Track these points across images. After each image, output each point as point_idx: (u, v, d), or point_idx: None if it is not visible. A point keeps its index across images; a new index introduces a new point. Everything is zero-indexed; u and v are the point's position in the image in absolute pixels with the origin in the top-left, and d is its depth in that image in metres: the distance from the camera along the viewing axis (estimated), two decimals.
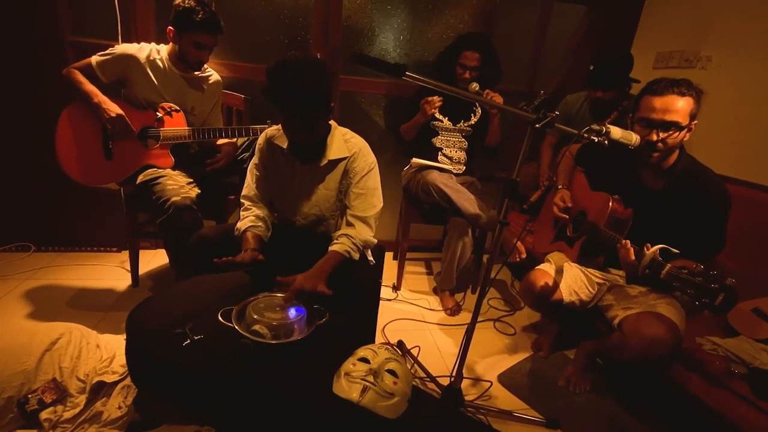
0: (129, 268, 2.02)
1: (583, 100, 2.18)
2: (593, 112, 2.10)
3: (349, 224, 1.39)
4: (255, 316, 1.05)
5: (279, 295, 1.17)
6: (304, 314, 1.10)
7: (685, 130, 1.31)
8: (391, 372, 0.99)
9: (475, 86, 1.93)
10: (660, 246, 1.24)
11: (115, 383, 1.22)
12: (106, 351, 1.34)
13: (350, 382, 0.95)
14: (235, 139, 1.89)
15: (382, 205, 1.45)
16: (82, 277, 2.06)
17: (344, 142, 1.41)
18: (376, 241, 1.44)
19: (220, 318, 1.05)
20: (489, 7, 2.35)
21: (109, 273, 2.13)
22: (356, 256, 1.35)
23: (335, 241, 1.34)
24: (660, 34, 2.34)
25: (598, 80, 1.97)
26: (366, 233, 1.39)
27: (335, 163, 1.40)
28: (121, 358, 1.31)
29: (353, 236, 1.35)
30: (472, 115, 2.18)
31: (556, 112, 1.06)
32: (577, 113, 2.20)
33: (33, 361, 1.19)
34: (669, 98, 1.29)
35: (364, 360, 1.01)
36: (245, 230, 1.37)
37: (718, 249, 1.41)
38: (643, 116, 1.34)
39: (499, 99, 1.89)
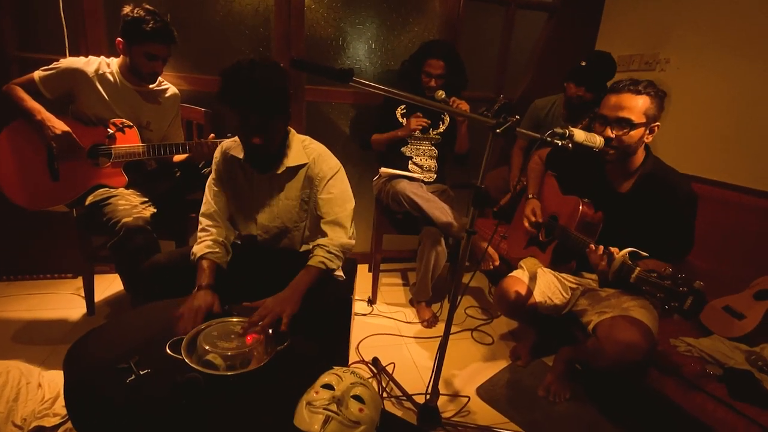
0: (84, 296, 1.89)
1: (552, 103, 2.19)
2: (569, 114, 2.10)
3: (323, 234, 1.33)
4: (207, 347, 0.97)
5: (235, 320, 1.09)
6: (263, 339, 1.03)
7: (642, 128, 1.31)
8: (357, 398, 0.92)
9: (441, 94, 1.91)
10: (629, 249, 1.23)
11: (57, 426, 1.11)
12: (49, 390, 1.22)
13: (312, 413, 0.87)
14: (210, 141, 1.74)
15: (353, 204, 1.38)
16: (32, 307, 1.91)
17: (303, 148, 1.35)
18: (354, 242, 1.36)
19: (168, 350, 0.96)
20: (454, 15, 2.35)
21: (63, 301, 1.99)
22: (335, 264, 1.28)
23: (310, 254, 1.27)
24: (620, 39, 2.40)
25: (587, 77, 1.96)
26: (340, 236, 1.31)
27: (295, 170, 1.34)
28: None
29: (326, 245, 1.28)
30: (441, 123, 2.16)
31: (516, 117, 1.03)
32: (547, 117, 2.20)
33: None
34: (624, 96, 1.30)
35: (328, 387, 0.94)
36: (201, 257, 1.28)
37: (687, 249, 1.41)
38: (599, 113, 1.36)
39: (465, 106, 1.88)
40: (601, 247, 1.29)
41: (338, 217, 1.32)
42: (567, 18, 2.46)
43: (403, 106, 2.13)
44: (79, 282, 2.13)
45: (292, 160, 1.32)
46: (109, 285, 2.14)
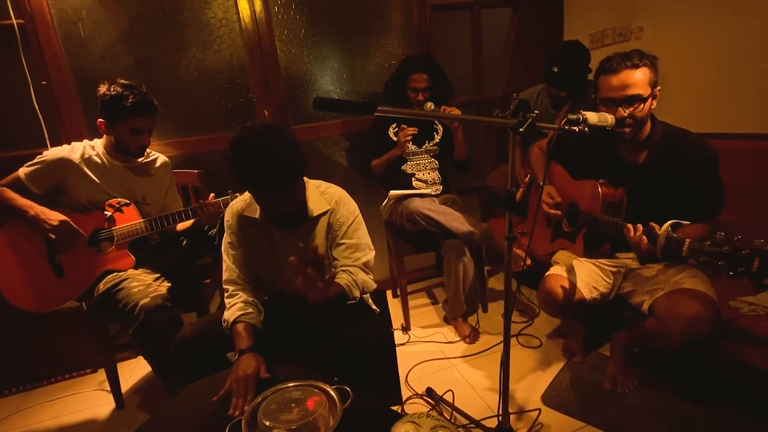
0: (110, 389, 1.78)
1: (537, 93, 2.19)
2: (553, 101, 2.11)
3: (345, 270, 1.28)
4: (268, 423, 0.88)
5: (290, 385, 1.01)
6: (325, 402, 0.95)
7: (650, 99, 1.29)
8: None
9: (430, 105, 1.90)
10: (670, 222, 1.19)
11: None
12: None
13: None
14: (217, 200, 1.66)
15: (374, 252, 1.36)
16: (57, 413, 1.79)
17: (320, 194, 1.31)
18: (375, 285, 1.34)
19: None
20: (422, 27, 2.36)
21: (88, 400, 1.87)
22: (356, 293, 1.24)
23: (336, 273, 1.24)
24: (587, 17, 2.42)
25: (564, 82, 1.97)
26: (363, 276, 1.29)
27: (316, 219, 1.29)
28: None
29: (353, 273, 1.26)
30: (435, 133, 2.14)
31: (536, 112, 1.00)
32: (535, 107, 2.20)
33: None
34: (624, 73, 1.28)
35: None
36: (235, 321, 1.21)
37: (720, 205, 1.37)
38: (604, 97, 1.33)
39: (457, 112, 1.86)
40: (640, 226, 1.25)
41: (362, 264, 1.31)
42: (531, 7, 2.49)
43: (394, 125, 2.11)
44: (100, 375, 2.02)
45: (313, 210, 1.28)
46: (132, 372, 2.03)
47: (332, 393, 0.96)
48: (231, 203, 1.36)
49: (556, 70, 1.94)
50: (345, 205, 1.32)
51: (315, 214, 1.27)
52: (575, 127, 1.14)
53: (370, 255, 1.33)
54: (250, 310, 1.24)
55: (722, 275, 1.03)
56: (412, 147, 2.08)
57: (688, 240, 1.11)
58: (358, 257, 1.30)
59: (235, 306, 1.23)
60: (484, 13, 2.47)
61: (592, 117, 1.19)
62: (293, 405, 0.94)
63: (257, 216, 1.27)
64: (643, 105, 1.27)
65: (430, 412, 0.92)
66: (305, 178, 1.32)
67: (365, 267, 1.31)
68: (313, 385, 0.99)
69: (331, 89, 2.29)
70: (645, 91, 1.27)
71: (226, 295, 1.29)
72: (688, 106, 1.99)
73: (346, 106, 0.91)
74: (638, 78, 1.27)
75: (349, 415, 0.94)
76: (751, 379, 1.21)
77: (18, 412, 1.83)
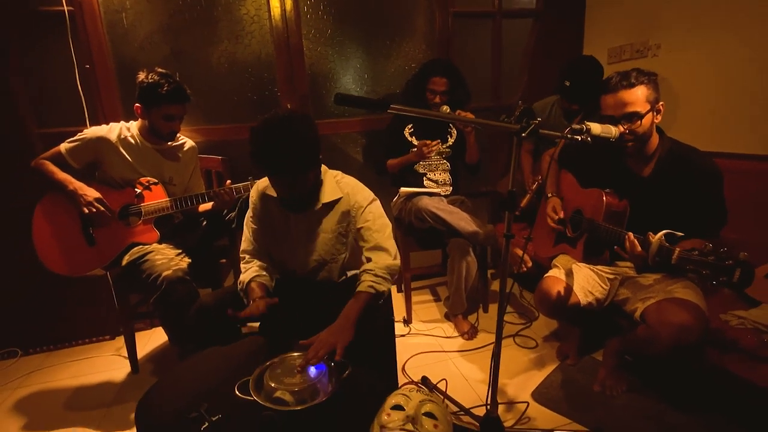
0: (126, 355, 1.91)
1: (552, 104, 2.25)
2: (566, 113, 2.16)
3: (368, 260, 1.35)
4: (273, 384, 0.98)
5: (294, 354, 1.10)
6: (325, 370, 1.04)
7: (650, 114, 1.35)
8: (430, 415, 0.93)
9: (446, 109, 1.97)
10: (664, 231, 1.24)
11: None
12: None
13: None
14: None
15: (390, 226, 1.41)
16: (76, 374, 1.93)
17: (336, 183, 1.39)
18: (398, 262, 1.37)
19: (237, 392, 0.98)
20: (444, 33, 2.44)
21: (106, 364, 2.00)
22: (385, 287, 1.29)
23: (357, 282, 1.30)
24: (607, 32, 2.46)
25: (576, 96, 2.01)
26: (385, 259, 1.34)
27: (330, 205, 1.38)
28: None
29: (372, 269, 1.30)
30: (449, 136, 2.21)
31: (539, 119, 1.07)
32: (548, 119, 2.25)
33: None
34: (620, 94, 1.35)
35: (398, 407, 0.95)
36: (250, 281, 1.32)
37: (722, 223, 1.41)
38: (605, 114, 1.41)
39: (470, 116, 1.93)
40: (631, 234, 1.31)
41: (378, 242, 1.35)
42: (552, 19, 2.55)
43: (410, 125, 2.19)
44: (118, 342, 2.16)
45: (327, 196, 1.36)
46: (148, 341, 2.16)
47: (332, 364, 1.05)
48: (257, 182, 1.46)
49: (568, 84, 1.99)
50: (359, 192, 1.39)
51: (327, 200, 1.35)
52: (578, 137, 1.20)
53: (386, 231, 1.37)
54: (264, 273, 1.35)
55: (721, 289, 1.09)
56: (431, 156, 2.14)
57: (677, 249, 1.17)
58: (375, 236, 1.34)
59: (251, 269, 1.35)
60: (504, 23, 2.54)
61: (595, 128, 1.25)
62: (297, 371, 1.03)
63: (276, 195, 1.36)
64: (641, 121, 1.34)
65: (419, 388, 1.00)
66: (325, 167, 1.41)
67: (384, 245, 1.34)
68: None
69: (352, 88, 2.39)
70: (642, 108, 1.33)
71: (242, 262, 1.40)
72: (702, 124, 2.02)
73: (363, 102, 1.00)
74: (635, 96, 1.33)
75: (346, 385, 1.03)
76: (735, 387, 1.25)
77: (40, 369, 1.98)
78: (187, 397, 1.03)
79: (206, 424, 0.94)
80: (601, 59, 2.44)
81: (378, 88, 2.43)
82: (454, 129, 2.22)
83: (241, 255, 1.42)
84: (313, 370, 1.03)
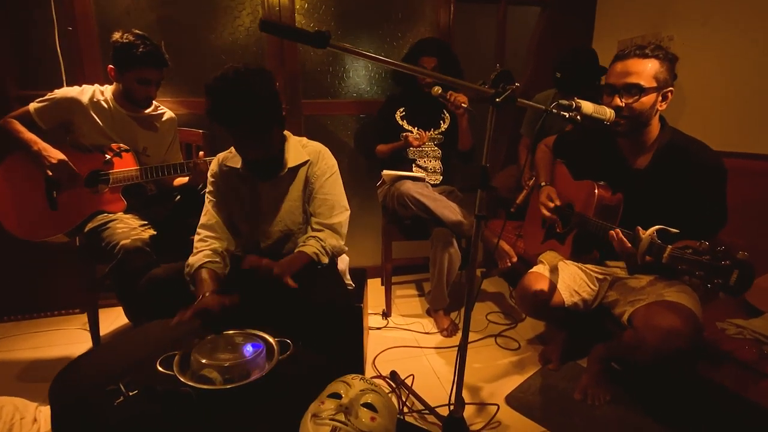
0: (89, 329, 1.83)
1: (552, 97, 2.13)
2: None
3: (316, 230, 1.29)
4: (203, 360, 0.88)
5: (233, 332, 1.00)
6: (263, 349, 0.94)
7: (653, 94, 1.22)
8: (368, 406, 0.82)
9: (437, 89, 1.87)
10: (656, 227, 1.12)
11: None
12: (45, 424, 1.14)
13: (317, 425, 0.78)
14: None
15: (349, 213, 1.35)
16: (37, 345, 1.86)
17: (302, 147, 1.32)
18: (346, 248, 1.34)
19: (158, 367, 0.88)
20: (445, 19, 2.33)
21: (69, 337, 1.93)
22: (325, 260, 1.25)
23: (302, 243, 1.24)
24: (618, 23, 2.34)
25: (568, 87, 1.94)
26: (334, 240, 1.29)
27: (295, 170, 1.30)
28: None
29: (322, 239, 1.25)
30: (441, 122, 2.10)
31: (516, 84, 0.96)
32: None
33: None
34: (630, 61, 1.23)
35: (335, 396, 0.84)
36: (200, 267, 1.21)
37: (720, 223, 1.27)
38: (607, 83, 1.28)
39: (463, 98, 1.83)
40: (619, 231, 1.18)
41: (334, 224, 1.31)
42: (560, 10, 2.42)
43: (402, 109, 2.09)
44: (86, 317, 2.08)
45: (292, 160, 1.29)
46: (116, 318, 2.08)
47: (272, 342, 0.95)
48: (218, 154, 1.38)
49: (559, 75, 1.92)
50: (324, 159, 1.32)
51: (293, 164, 1.28)
52: (565, 113, 1.08)
53: (343, 216, 1.33)
54: (217, 259, 1.24)
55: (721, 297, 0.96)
56: (416, 133, 2.04)
57: (669, 246, 1.04)
58: (331, 215, 1.30)
59: (202, 252, 1.24)
60: (509, 10, 2.42)
61: (587, 107, 1.13)
62: (230, 347, 0.93)
63: (239, 166, 1.28)
64: (641, 97, 1.21)
65: (366, 377, 0.89)
66: (289, 133, 1.32)
67: (338, 228, 1.30)
68: (255, 333, 0.98)
69: (348, 68, 2.29)
70: (648, 82, 1.20)
71: (197, 238, 1.30)
72: (712, 119, 1.89)
73: (293, 33, 0.87)
74: (644, 68, 1.21)
75: (286, 366, 0.93)
76: (727, 404, 1.12)
77: (3, 338, 1.91)
78: (112, 370, 0.94)
79: (121, 398, 0.85)
80: (611, 51, 2.30)
81: (374, 72, 2.32)
82: (447, 114, 2.11)
83: (197, 230, 1.33)
84: (249, 348, 0.93)
